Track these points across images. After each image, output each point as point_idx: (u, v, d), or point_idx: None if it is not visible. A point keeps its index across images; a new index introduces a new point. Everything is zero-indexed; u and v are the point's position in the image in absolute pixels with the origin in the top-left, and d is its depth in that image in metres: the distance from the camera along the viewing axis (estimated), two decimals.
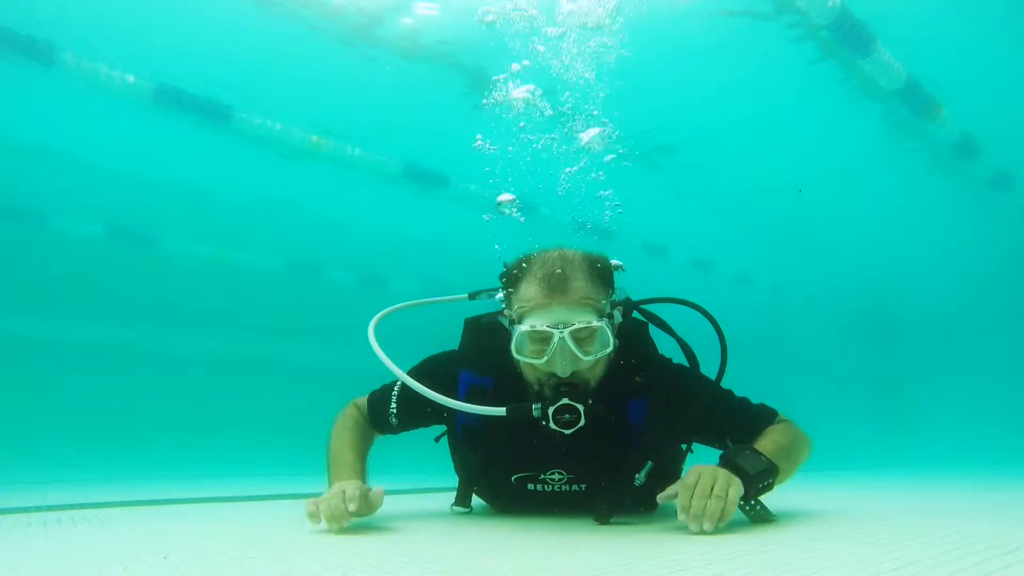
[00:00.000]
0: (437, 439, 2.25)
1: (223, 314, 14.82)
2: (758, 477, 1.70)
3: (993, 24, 8.21)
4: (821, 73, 9.02)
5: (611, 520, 1.87)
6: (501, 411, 1.81)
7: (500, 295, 2.03)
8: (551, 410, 1.76)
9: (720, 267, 17.14)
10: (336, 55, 9.00)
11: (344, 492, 1.76)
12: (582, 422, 1.77)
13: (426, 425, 2.14)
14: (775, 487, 1.80)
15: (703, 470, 1.66)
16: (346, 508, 1.72)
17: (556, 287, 1.78)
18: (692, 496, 1.59)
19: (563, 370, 1.76)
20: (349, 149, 10.86)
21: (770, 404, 2.08)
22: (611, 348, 1.79)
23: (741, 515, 2.03)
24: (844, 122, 10.44)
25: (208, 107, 9.20)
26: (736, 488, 1.63)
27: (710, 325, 2.01)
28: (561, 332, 1.73)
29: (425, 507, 2.58)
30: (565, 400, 1.75)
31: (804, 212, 14.20)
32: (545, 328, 1.74)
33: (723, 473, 1.65)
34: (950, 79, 8.46)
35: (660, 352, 2.11)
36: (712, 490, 1.59)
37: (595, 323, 1.77)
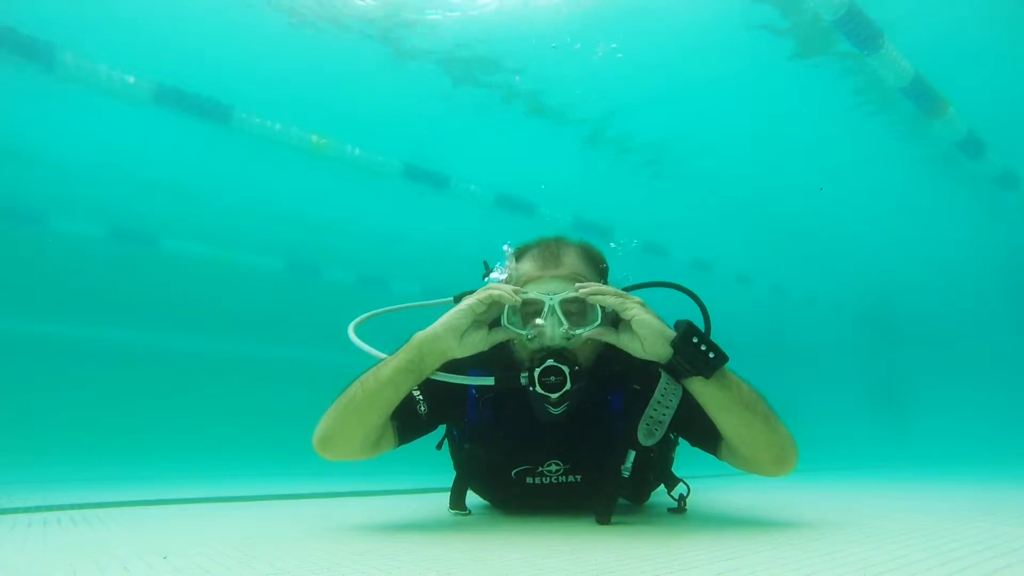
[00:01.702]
0: (439, 446, 2.26)
1: (223, 314, 14.81)
2: (694, 330, 1.67)
3: (1001, 21, 8.18)
4: (823, 71, 9.02)
5: (612, 520, 1.87)
6: (490, 380, 1.83)
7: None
8: (537, 372, 1.75)
9: (720, 267, 17.15)
10: (337, 55, 9.01)
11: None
12: (568, 385, 1.75)
13: (449, 417, 2.08)
14: (709, 386, 1.70)
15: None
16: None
17: (550, 261, 1.88)
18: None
19: (551, 339, 1.78)
20: (349, 149, 10.86)
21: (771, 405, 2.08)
22: (599, 323, 1.79)
23: (743, 517, 2.03)
24: (846, 121, 10.42)
25: (208, 107, 9.20)
26: (656, 321, 1.71)
27: (697, 312, 2.02)
28: (551, 299, 1.77)
29: (425, 507, 2.58)
30: (550, 361, 1.75)
31: (805, 212, 14.21)
32: (536, 296, 1.78)
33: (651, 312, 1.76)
34: (957, 76, 8.38)
35: None
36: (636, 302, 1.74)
37: (583, 287, 1.79)
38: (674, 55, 9.02)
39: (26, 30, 7.48)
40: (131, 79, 8.35)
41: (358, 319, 2.19)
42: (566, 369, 1.75)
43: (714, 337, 1.98)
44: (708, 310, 2.02)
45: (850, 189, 13.15)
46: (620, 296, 1.73)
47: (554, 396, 1.77)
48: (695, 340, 1.67)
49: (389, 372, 1.78)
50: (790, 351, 19.46)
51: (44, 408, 11.79)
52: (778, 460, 1.82)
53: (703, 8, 8.02)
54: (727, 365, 1.72)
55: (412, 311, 2.42)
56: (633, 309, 1.71)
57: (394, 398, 1.82)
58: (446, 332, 1.76)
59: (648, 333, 1.69)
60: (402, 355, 1.79)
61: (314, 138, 10.38)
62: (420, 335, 1.79)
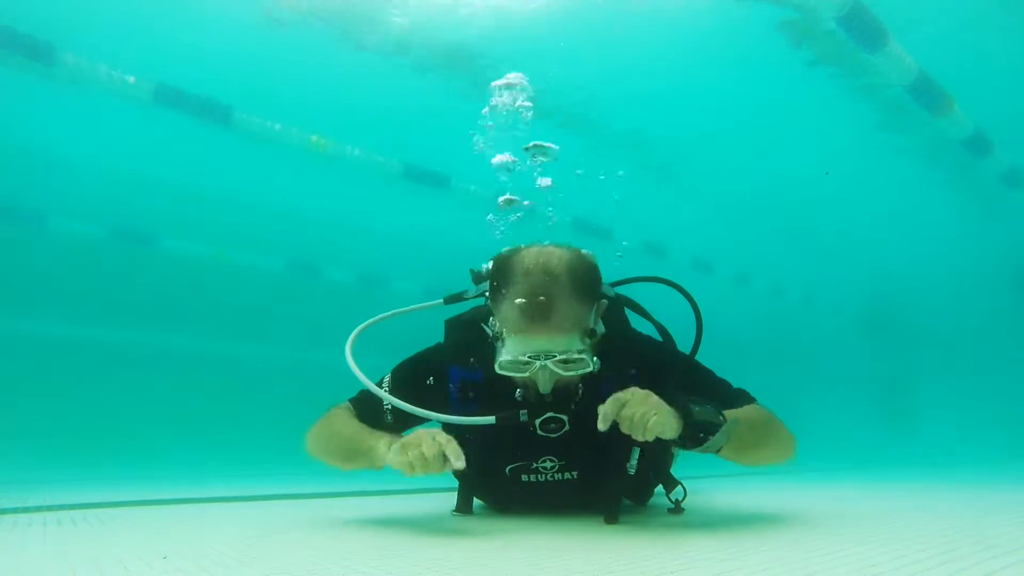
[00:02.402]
0: None
1: (223, 314, 14.81)
2: (701, 426, 1.63)
3: (1007, 17, 8.15)
4: (822, 69, 8.99)
5: (620, 520, 1.88)
6: (490, 420, 1.81)
7: (481, 291, 2.05)
8: (538, 421, 1.80)
9: (720, 267, 17.14)
10: (336, 55, 9.01)
11: (434, 438, 1.65)
12: (567, 428, 1.81)
13: (421, 423, 2.07)
14: (722, 451, 1.71)
15: (640, 390, 1.64)
16: (441, 455, 1.63)
17: (538, 312, 1.69)
18: (622, 406, 1.60)
19: (545, 388, 1.78)
20: (349, 149, 10.86)
21: (770, 403, 2.09)
22: (592, 368, 1.77)
23: (743, 517, 2.03)
24: (846, 119, 10.40)
25: (208, 107, 9.20)
26: (668, 413, 1.60)
27: (682, 309, 2.04)
28: (543, 361, 1.73)
29: (426, 507, 2.58)
30: (550, 413, 1.79)
31: (806, 211, 14.19)
32: (526, 359, 1.74)
33: (660, 399, 1.63)
34: (963, 73, 8.31)
35: (634, 328, 2.14)
36: (642, 406, 1.60)
37: (576, 353, 1.73)
38: (673, 53, 9.01)
39: (26, 30, 7.49)
40: (131, 79, 8.35)
41: (354, 334, 2.14)
42: (565, 418, 1.80)
43: (712, 337, 2.01)
44: (699, 306, 2.04)
45: (852, 188, 13.12)
46: (642, 418, 1.61)
47: (554, 436, 1.83)
48: (701, 435, 1.65)
49: (363, 460, 1.87)
50: (790, 351, 19.44)
51: (44, 408, 11.78)
52: (777, 462, 1.96)
53: (702, 5, 8.01)
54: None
55: (398, 315, 2.41)
56: (653, 427, 1.60)
57: (368, 465, 1.87)
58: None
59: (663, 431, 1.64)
60: (367, 460, 1.84)
61: (314, 138, 10.38)
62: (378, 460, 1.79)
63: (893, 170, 12.13)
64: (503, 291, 1.77)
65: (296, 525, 2.05)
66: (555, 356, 1.71)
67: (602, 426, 1.61)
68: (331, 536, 1.74)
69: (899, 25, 7.28)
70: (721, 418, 1.68)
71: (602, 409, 1.61)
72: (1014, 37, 8.52)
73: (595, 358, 1.79)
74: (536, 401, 1.81)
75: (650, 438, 1.59)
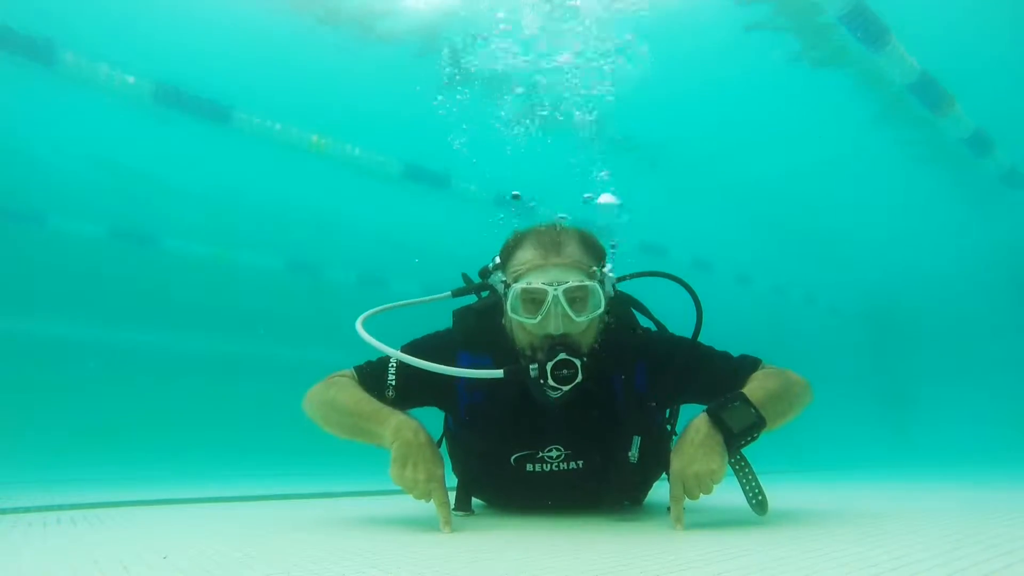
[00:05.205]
0: (437, 444, 2.25)
1: (223, 314, 14.81)
2: (741, 435, 1.72)
3: (1008, 17, 8.16)
4: (825, 69, 8.99)
5: (614, 517, 1.88)
6: (499, 373, 1.83)
7: (493, 269, 2.08)
8: (549, 366, 1.77)
9: (720, 267, 17.14)
10: (336, 55, 9.02)
11: (430, 493, 1.78)
12: (579, 377, 1.78)
13: (423, 404, 2.08)
14: (760, 436, 1.81)
15: (683, 474, 1.72)
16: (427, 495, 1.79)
17: (550, 248, 1.86)
18: (683, 506, 1.74)
19: (556, 328, 1.79)
20: (349, 149, 10.87)
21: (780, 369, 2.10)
22: (602, 310, 1.85)
23: (743, 517, 2.03)
24: (849, 119, 10.40)
25: (208, 107, 9.21)
26: (721, 458, 1.70)
27: (682, 304, 2.08)
28: (555, 289, 1.78)
29: (426, 507, 2.58)
30: (562, 355, 1.77)
31: (806, 210, 14.19)
32: (540, 286, 1.79)
33: (703, 455, 1.70)
34: (965, 73, 8.32)
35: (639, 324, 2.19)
36: (699, 487, 1.71)
37: (587, 283, 1.82)
38: (675, 54, 9.01)
39: (26, 29, 7.49)
40: (131, 79, 8.36)
41: (364, 315, 2.18)
42: (578, 362, 1.78)
43: (713, 335, 2.02)
44: (700, 300, 2.07)
45: (853, 187, 13.13)
46: (707, 488, 1.74)
47: (565, 388, 1.79)
48: (749, 439, 1.75)
49: (366, 439, 1.87)
50: (791, 351, 19.38)
51: (44, 408, 11.79)
52: (800, 413, 2.01)
53: (705, 8, 8.02)
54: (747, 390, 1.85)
55: (407, 306, 2.45)
56: (718, 482, 1.73)
57: (371, 443, 1.89)
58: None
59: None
60: (369, 439, 1.86)
61: (314, 138, 10.39)
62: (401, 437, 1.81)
63: (894, 170, 12.14)
64: (518, 244, 1.93)
65: (296, 525, 2.05)
66: (567, 283, 1.79)
67: (680, 528, 1.71)
68: (331, 536, 1.74)
69: (902, 24, 7.27)
70: (752, 411, 1.74)
71: (673, 508, 1.74)
72: (1015, 37, 8.53)
73: (605, 303, 1.87)
74: (547, 355, 1.80)
75: (718, 482, 1.71)
